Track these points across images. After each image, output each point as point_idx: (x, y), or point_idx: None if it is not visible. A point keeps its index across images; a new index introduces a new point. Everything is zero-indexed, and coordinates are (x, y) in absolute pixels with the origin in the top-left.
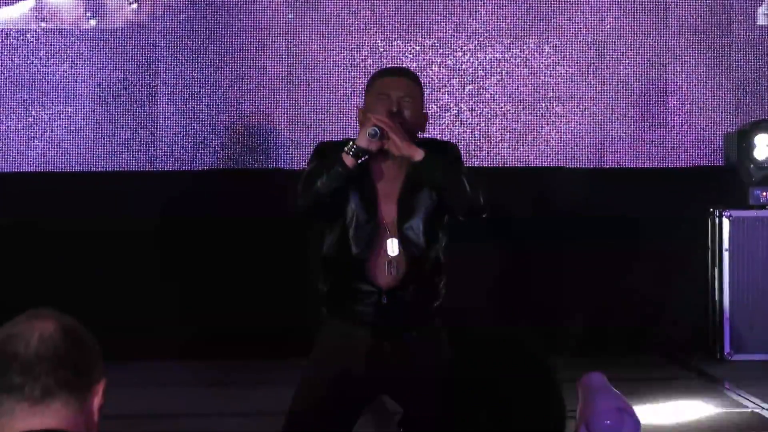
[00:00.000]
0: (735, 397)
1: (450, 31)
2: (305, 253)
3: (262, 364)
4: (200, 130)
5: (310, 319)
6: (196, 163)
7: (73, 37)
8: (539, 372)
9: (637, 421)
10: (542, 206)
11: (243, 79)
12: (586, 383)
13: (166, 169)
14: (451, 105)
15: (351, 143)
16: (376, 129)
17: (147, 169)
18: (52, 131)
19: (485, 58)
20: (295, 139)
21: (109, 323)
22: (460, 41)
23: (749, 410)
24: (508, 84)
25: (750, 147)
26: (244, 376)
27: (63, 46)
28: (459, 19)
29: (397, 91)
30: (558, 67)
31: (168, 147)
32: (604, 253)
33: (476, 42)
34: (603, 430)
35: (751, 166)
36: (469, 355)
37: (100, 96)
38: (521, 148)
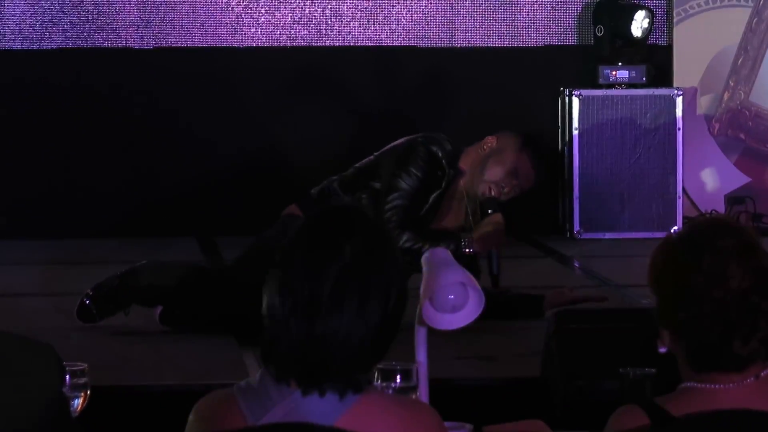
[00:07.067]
0: (584, 274)
1: None
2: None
3: None
4: (49, 9)
5: None
6: (45, 41)
7: None
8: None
9: (481, 297)
10: (393, 86)
11: None
12: (429, 258)
13: (14, 47)
14: None
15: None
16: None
17: None
18: None
19: None
20: (146, 18)
21: None
22: None
23: (597, 285)
24: None
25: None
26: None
27: None
28: None
29: (527, 184)
30: None
31: (16, 25)
32: (453, 132)
33: None
34: (446, 303)
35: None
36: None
37: None
38: (372, 27)
